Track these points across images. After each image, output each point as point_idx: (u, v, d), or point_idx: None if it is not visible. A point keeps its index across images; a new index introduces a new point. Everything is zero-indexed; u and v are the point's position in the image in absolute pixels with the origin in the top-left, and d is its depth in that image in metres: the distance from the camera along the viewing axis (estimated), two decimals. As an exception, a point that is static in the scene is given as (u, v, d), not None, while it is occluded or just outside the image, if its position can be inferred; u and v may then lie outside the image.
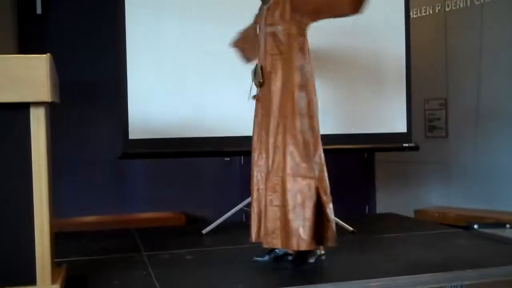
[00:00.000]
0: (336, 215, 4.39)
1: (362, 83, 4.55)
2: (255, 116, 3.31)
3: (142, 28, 4.21)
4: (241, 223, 5.06)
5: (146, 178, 5.33)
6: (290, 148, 3.06)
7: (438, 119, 5.72)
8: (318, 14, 3.14)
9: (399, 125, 4.70)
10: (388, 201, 6.02)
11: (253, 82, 3.27)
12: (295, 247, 3.01)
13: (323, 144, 4.45)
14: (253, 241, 3.18)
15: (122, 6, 4.20)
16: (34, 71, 2.05)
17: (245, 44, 3.69)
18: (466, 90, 5.49)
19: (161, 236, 4.20)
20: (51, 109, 2.27)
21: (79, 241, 3.94)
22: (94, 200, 5.10)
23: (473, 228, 4.28)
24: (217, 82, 4.30)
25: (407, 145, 4.66)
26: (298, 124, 3.08)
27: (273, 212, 3.06)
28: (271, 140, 3.12)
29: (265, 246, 3.13)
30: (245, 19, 3.97)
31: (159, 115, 4.21)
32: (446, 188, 5.67)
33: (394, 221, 4.87)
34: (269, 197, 3.08)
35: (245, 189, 4.86)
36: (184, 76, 4.28)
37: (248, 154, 4.74)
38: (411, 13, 5.20)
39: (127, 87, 4.14)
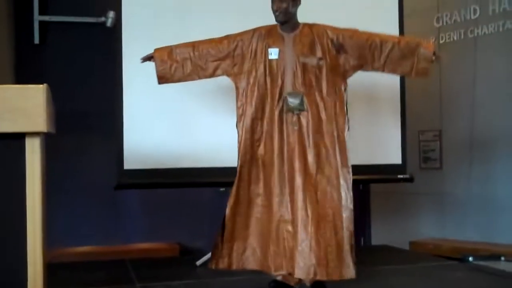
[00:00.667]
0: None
1: (358, 115, 4.57)
2: (287, 145, 3.17)
3: (138, 58, 4.24)
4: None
5: (141, 208, 5.31)
6: (341, 180, 3.13)
7: (433, 150, 5.75)
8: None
9: (394, 157, 4.72)
10: (383, 232, 6.01)
11: (293, 111, 3.17)
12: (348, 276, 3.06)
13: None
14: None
15: (120, 37, 4.24)
16: (31, 102, 2.05)
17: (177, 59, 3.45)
18: (460, 121, 5.53)
19: (154, 267, 4.17)
20: (47, 139, 2.28)
21: (73, 272, 3.92)
22: (88, 230, 5.07)
23: (468, 260, 4.27)
24: (214, 113, 4.32)
25: (401, 176, 4.67)
26: (346, 157, 3.19)
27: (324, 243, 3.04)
28: (313, 171, 3.11)
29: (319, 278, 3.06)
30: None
31: (155, 146, 4.22)
32: (440, 219, 5.66)
33: (389, 253, 4.86)
34: (315, 228, 3.04)
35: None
36: (180, 107, 4.31)
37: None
38: (405, 46, 5.25)
39: (123, 117, 4.16)
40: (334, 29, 3.30)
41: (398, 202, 5.91)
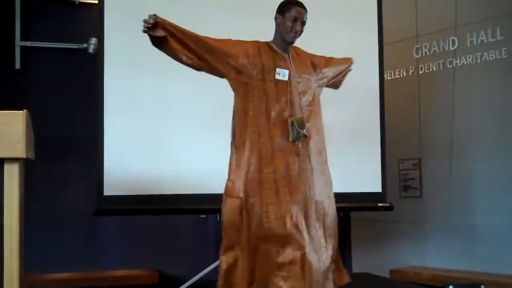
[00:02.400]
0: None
1: (338, 144, 4.60)
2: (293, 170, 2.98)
3: (120, 84, 4.24)
4: (216, 281, 5.00)
5: (120, 234, 5.26)
6: (331, 193, 3.14)
7: (412, 179, 5.79)
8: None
9: (374, 185, 4.75)
10: (363, 260, 6.00)
11: (297, 136, 2.99)
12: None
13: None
14: None
15: (101, 63, 4.25)
16: (10, 127, 2.04)
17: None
18: (439, 150, 5.59)
19: (133, 295, 4.13)
20: (26, 165, 2.27)
21: (49, 299, 3.86)
22: (67, 256, 5.01)
23: (447, 289, 4.29)
24: (194, 139, 4.32)
25: (382, 204, 4.70)
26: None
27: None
28: (318, 191, 3.05)
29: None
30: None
31: (135, 172, 4.20)
32: (421, 248, 5.68)
33: (369, 281, 4.85)
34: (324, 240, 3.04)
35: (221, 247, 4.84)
36: (161, 133, 4.30)
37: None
38: (385, 76, 5.34)
39: (103, 143, 4.14)
40: (313, 56, 3.31)
41: (379, 230, 5.92)
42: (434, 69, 5.74)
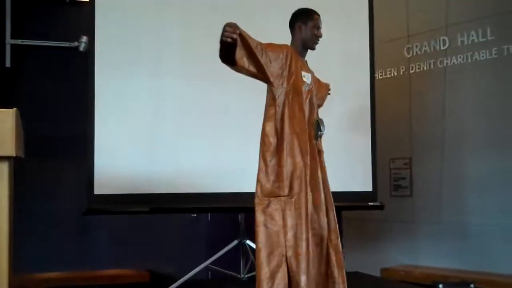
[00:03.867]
0: (302, 273, 4.39)
1: (330, 144, 4.61)
2: (311, 169, 3.07)
3: (111, 82, 4.23)
4: (207, 281, 5.01)
5: (111, 234, 5.25)
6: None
7: (403, 178, 5.81)
8: None
9: (365, 184, 4.77)
10: (355, 259, 6.01)
11: (320, 135, 3.21)
12: None
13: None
14: None
15: (92, 61, 4.23)
16: (0, 126, 2.04)
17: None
18: (430, 150, 5.61)
19: (124, 294, 4.12)
20: (16, 163, 2.26)
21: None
22: (57, 255, 5.00)
23: (438, 287, 4.30)
24: (186, 138, 4.32)
25: (372, 203, 4.71)
26: None
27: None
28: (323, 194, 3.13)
29: None
30: (214, 73, 4.06)
31: (126, 171, 4.19)
32: (412, 246, 5.70)
33: (360, 280, 4.86)
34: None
35: (212, 246, 4.84)
36: (152, 132, 4.29)
37: (215, 210, 4.76)
38: (376, 75, 5.36)
39: (94, 142, 4.13)
40: None
41: (370, 229, 5.94)
42: (425, 69, 5.76)
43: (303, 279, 2.83)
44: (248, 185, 4.41)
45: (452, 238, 5.33)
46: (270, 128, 3.11)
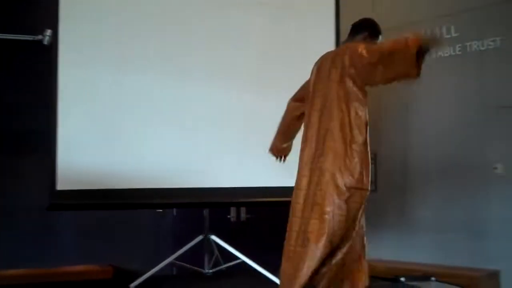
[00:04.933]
0: (267, 268, 4.43)
1: (297, 141, 4.64)
2: None
3: (75, 76, 4.19)
4: (172, 276, 5.00)
5: (74, 229, 5.19)
6: None
7: (368, 173, 5.85)
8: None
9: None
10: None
11: None
12: None
13: (260, 197, 4.52)
14: None
15: (55, 55, 4.19)
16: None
17: None
18: (394, 145, 5.67)
19: (85, 291, 4.09)
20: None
21: (0, 295, 3.79)
22: (19, 252, 4.92)
23: (400, 281, 4.36)
24: (151, 133, 4.31)
25: (337, 198, 4.74)
26: None
27: None
28: None
29: None
30: (179, 68, 4.05)
31: (90, 166, 4.16)
32: (376, 240, 5.75)
33: (324, 274, 4.90)
34: None
35: (177, 241, 4.83)
36: (117, 127, 4.28)
37: (180, 206, 4.76)
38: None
39: (57, 137, 4.09)
40: None
41: (335, 224, 5.98)
42: (392, 64, 5.80)
43: None
44: (212, 180, 4.44)
45: (414, 232, 5.41)
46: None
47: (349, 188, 2.95)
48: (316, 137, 3.07)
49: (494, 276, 4.77)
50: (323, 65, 3.22)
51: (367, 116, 3.14)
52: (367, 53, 3.00)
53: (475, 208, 5.08)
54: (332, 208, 2.91)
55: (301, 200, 3.05)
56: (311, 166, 3.05)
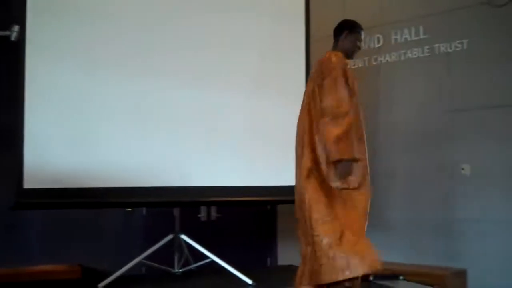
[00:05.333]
0: (237, 267, 4.43)
1: (266, 139, 4.65)
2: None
3: (43, 73, 4.14)
4: (141, 276, 4.96)
5: (42, 228, 5.11)
6: None
7: (337, 173, 5.88)
8: None
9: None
10: (290, 252, 6.08)
11: None
12: None
13: (231, 196, 4.51)
14: None
15: (23, 51, 4.12)
16: None
17: None
18: (364, 145, 5.71)
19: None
20: None
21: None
22: (-16, 252, 4.84)
23: (368, 280, 4.40)
24: (120, 131, 4.28)
25: (307, 198, 4.76)
26: None
27: None
28: None
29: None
30: (149, 66, 4.02)
31: (58, 164, 4.11)
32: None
33: (293, 273, 4.91)
34: None
35: (147, 241, 4.79)
36: (85, 124, 4.23)
37: (150, 205, 4.72)
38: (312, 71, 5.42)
39: (24, 134, 4.02)
40: None
41: (305, 223, 6.00)
42: (361, 66, 5.86)
43: None
44: (183, 179, 4.42)
45: (382, 232, 5.46)
46: None
47: None
48: None
49: (461, 274, 4.84)
50: None
51: None
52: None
53: (443, 208, 5.15)
54: None
55: None
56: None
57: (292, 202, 5.11)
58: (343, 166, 3.36)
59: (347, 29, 3.65)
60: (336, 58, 3.46)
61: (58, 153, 4.10)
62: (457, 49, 5.19)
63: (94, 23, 4.32)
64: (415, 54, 5.48)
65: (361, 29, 3.68)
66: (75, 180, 4.11)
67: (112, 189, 4.22)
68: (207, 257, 4.49)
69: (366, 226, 3.59)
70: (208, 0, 4.65)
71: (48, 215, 4.95)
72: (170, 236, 4.49)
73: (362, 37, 3.68)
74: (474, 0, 5.06)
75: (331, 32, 5.83)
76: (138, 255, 4.36)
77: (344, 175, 3.39)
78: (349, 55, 3.67)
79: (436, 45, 5.34)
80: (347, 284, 3.37)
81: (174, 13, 4.52)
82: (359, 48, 3.68)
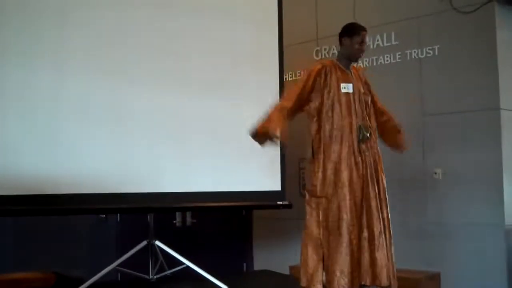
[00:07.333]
0: (212, 272, 4.43)
1: (239, 144, 4.66)
2: (356, 169, 3.60)
3: (10, 75, 4.05)
4: (116, 283, 4.93)
5: (14, 236, 5.06)
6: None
7: (312, 177, 5.92)
8: None
9: (274, 184, 4.85)
10: (265, 257, 6.10)
11: (365, 139, 3.66)
12: None
13: (202, 202, 4.50)
14: None
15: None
16: None
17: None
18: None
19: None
20: None
21: None
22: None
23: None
24: (92, 136, 4.23)
25: (281, 203, 4.80)
26: None
27: None
28: (376, 190, 3.68)
29: None
30: (120, 70, 3.98)
31: (29, 170, 4.04)
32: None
33: (268, 278, 4.95)
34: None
35: (121, 247, 4.76)
36: (56, 129, 4.15)
37: (123, 211, 4.69)
38: (286, 77, 5.46)
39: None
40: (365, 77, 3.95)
41: (280, 228, 6.02)
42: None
43: None
44: (156, 185, 4.41)
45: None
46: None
47: None
48: None
49: (434, 277, 4.90)
50: None
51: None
52: None
53: (416, 211, 5.21)
54: None
55: None
56: None
57: (267, 207, 5.16)
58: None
59: (344, 35, 3.78)
60: (313, 66, 3.72)
61: (28, 159, 4.03)
62: (429, 55, 5.27)
63: (64, 23, 4.22)
64: (387, 60, 5.55)
65: (360, 30, 3.74)
66: (47, 187, 4.05)
67: (86, 196, 4.18)
68: (182, 263, 4.48)
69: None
70: (182, 5, 4.64)
71: (20, 222, 4.90)
72: (144, 243, 4.47)
73: (362, 38, 3.72)
74: (444, 6, 5.14)
75: (304, 37, 5.91)
76: (113, 261, 4.33)
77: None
78: (351, 59, 3.79)
79: (408, 51, 5.41)
80: None
81: (147, 18, 4.50)
82: (360, 50, 3.74)
